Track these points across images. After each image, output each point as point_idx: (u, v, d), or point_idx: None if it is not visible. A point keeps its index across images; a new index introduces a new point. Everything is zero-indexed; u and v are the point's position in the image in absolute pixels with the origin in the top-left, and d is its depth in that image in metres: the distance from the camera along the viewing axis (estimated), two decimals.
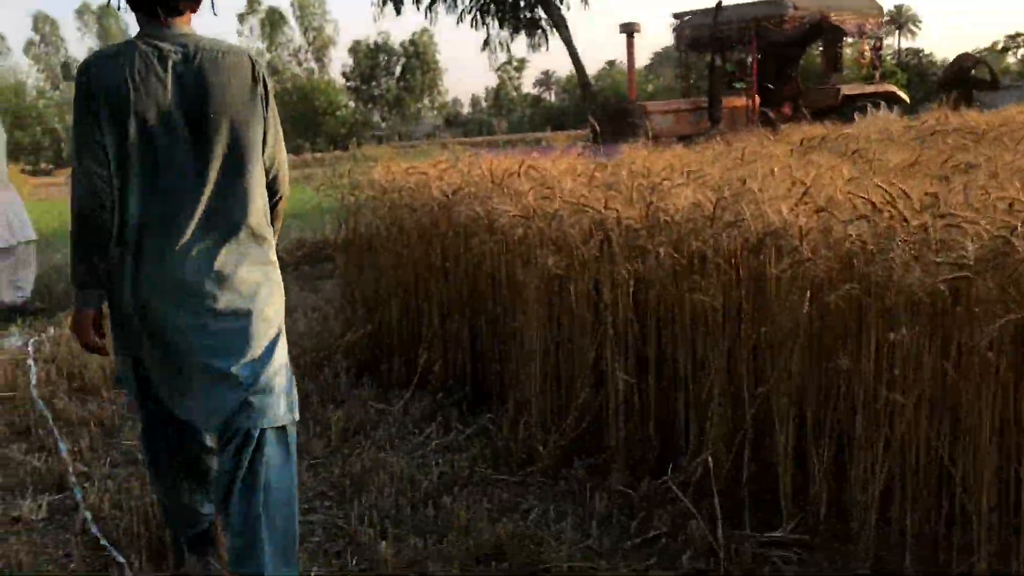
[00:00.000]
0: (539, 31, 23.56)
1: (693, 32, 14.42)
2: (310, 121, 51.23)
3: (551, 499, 3.16)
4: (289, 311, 6.47)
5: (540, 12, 22.68)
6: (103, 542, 2.91)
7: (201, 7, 2.43)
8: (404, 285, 4.80)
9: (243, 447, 2.32)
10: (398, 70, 63.48)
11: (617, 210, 3.25)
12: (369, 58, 62.02)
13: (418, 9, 23.74)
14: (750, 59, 13.49)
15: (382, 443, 3.76)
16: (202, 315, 2.30)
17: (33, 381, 4.71)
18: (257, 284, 2.38)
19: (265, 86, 2.38)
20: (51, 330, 6.03)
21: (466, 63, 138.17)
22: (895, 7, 77.91)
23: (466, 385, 4.32)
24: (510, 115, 77.87)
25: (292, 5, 60.43)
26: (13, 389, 4.68)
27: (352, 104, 59.95)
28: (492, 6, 23.28)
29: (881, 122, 6.64)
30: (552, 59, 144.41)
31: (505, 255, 3.93)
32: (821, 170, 3.54)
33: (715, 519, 2.73)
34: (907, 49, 74.88)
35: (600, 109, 13.53)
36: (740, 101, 13.29)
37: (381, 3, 23.25)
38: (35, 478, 3.51)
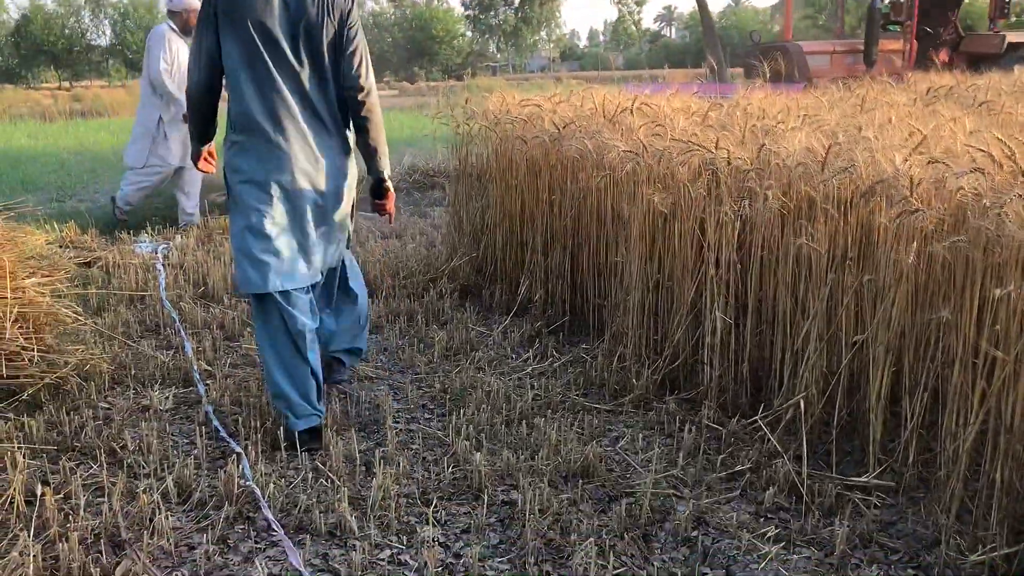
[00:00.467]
0: None
1: None
2: (426, 49, 51.41)
3: (640, 428, 3.26)
4: (399, 234, 6.72)
5: None
6: (223, 433, 3.16)
7: None
8: (510, 215, 4.91)
9: (336, 273, 3.40)
10: (517, 1, 62.77)
11: (728, 150, 3.26)
12: None
13: None
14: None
15: (481, 364, 3.91)
16: (307, 187, 3.07)
17: (162, 284, 5.05)
18: (342, 163, 3.18)
19: (350, 14, 3.04)
20: (178, 238, 6.40)
21: None
22: None
23: (565, 315, 4.43)
24: (627, 50, 76.33)
25: None
26: (144, 291, 5.02)
27: (469, 34, 59.79)
28: None
29: (1017, 75, 6.31)
30: None
31: (612, 190, 3.98)
32: (942, 121, 3.46)
33: (801, 459, 2.78)
34: None
35: (756, 48, 13.15)
36: (897, 44, 12.71)
37: None
38: (163, 372, 3.81)
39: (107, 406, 3.48)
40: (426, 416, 3.41)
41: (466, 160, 5.49)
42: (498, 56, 63.89)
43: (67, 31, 51.27)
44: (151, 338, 4.33)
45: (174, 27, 6.71)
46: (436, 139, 6.66)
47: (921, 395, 2.67)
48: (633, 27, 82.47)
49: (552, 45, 70.29)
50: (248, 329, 4.42)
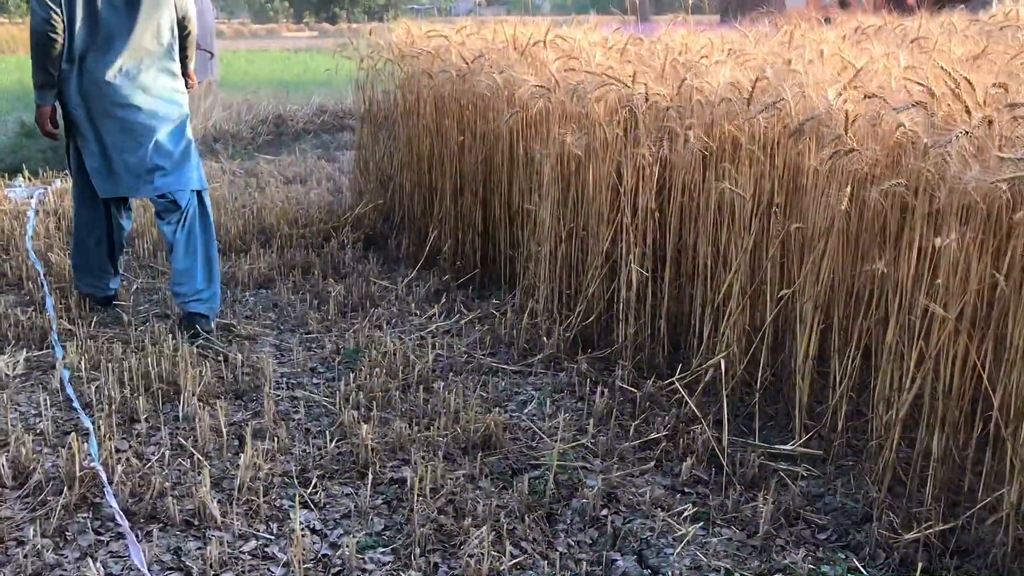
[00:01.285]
0: None
1: None
2: None
3: (550, 392, 2.97)
4: (303, 178, 6.28)
5: None
6: (75, 404, 2.77)
7: None
8: (418, 158, 4.55)
9: (173, 210, 3.40)
10: None
11: (646, 85, 2.94)
12: None
13: None
14: None
15: (380, 321, 3.58)
16: (128, 110, 3.35)
17: (30, 233, 4.55)
18: (171, 89, 3.47)
19: None
20: (57, 182, 5.85)
21: None
22: None
23: (476, 267, 4.11)
24: None
25: None
26: (10, 240, 4.52)
27: None
28: None
29: (945, 16, 6.13)
30: None
31: (523, 130, 3.65)
32: (876, 56, 3.19)
33: (721, 425, 2.54)
34: None
35: None
36: None
37: None
38: (17, 331, 3.38)
39: None
40: (314, 381, 3.07)
41: (372, 99, 5.08)
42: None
43: None
44: (10, 293, 3.87)
45: None
46: (347, 78, 6.22)
47: (852, 355, 2.43)
48: None
49: None
50: (124, 281, 4.00)
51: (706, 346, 2.86)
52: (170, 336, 3.29)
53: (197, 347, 3.23)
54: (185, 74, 3.62)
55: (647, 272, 3.01)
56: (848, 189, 2.36)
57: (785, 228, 2.60)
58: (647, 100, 2.95)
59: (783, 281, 2.67)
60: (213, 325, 3.44)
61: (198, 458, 2.47)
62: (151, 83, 3.39)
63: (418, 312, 3.72)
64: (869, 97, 2.42)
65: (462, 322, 3.58)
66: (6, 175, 6.09)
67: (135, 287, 4.01)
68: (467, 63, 4.06)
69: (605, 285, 3.24)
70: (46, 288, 3.80)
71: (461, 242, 4.21)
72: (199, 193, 3.47)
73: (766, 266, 2.67)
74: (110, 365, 2.99)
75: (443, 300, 3.83)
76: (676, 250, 3.05)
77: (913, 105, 2.28)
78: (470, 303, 3.82)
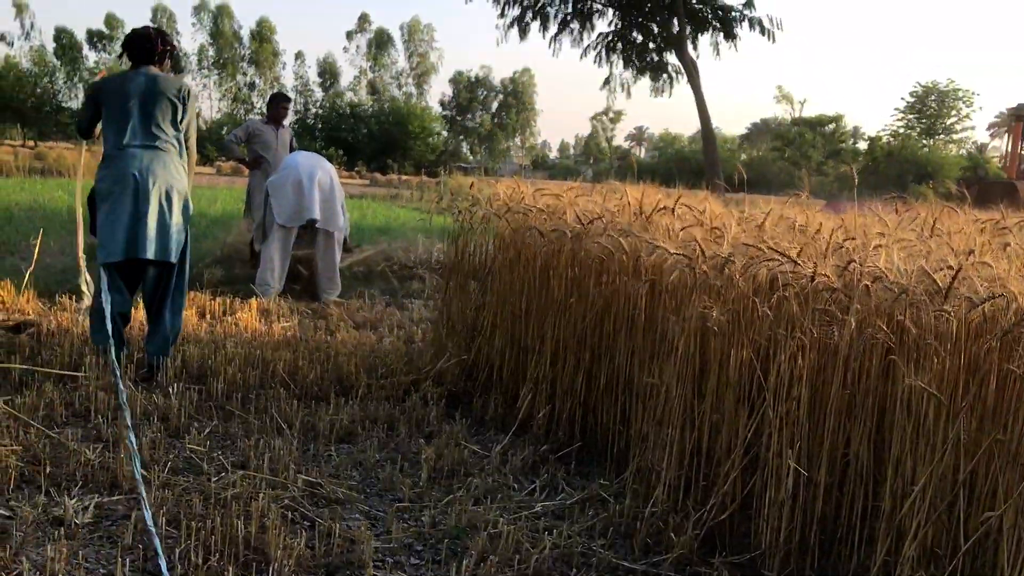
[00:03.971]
0: (664, 76, 23.21)
1: None
2: (400, 143, 51.60)
3: None
4: (373, 325, 6.06)
5: (669, 56, 22.30)
6: (163, 567, 2.41)
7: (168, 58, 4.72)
8: (513, 317, 4.31)
9: (161, 275, 4.49)
10: (494, 106, 63.86)
11: (815, 264, 2.69)
12: (468, 90, 62.53)
13: (543, 37, 23.79)
14: None
15: (478, 493, 3.23)
16: (149, 189, 4.36)
17: (115, 360, 4.30)
18: (173, 178, 4.46)
19: (187, 96, 4.56)
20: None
21: (558, 108, 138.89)
22: (1006, 110, 75.93)
23: (574, 439, 3.78)
24: (596, 165, 77.63)
25: (401, 29, 61.21)
26: (78, 368, 4.28)
27: (445, 133, 60.38)
28: (620, 44, 23.08)
29: None
30: (645, 115, 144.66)
31: (648, 298, 3.40)
32: None
33: None
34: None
35: (979, 181, 13.48)
36: None
37: (507, 26, 23.35)
38: (85, 472, 3.07)
39: (7, 513, 2.73)
40: (413, 562, 2.70)
41: (463, 251, 4.91)
42: (471, 157, 64.47)
43: (39, 90, 50.78)
44: (77, 426, 3.59)
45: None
46: (413, 229, 6.09)
47: None
48: (605, 143, 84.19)
49: (524, 152, 71.28)
50: (196, 423, 3.71)
51: (879, 569, 2.47)
52: (259, 495, 2.96)
53: (282, 508, 2.89)
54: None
55: (804, 471, 2.67)
56: None
57: (990, 438, 2.27)
58: (813, 280, 2.69)
59: (979, 500, 2.32)
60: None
61: None
62: None
63: (516, 486, 3.37)
64: None
65: (568, 502, 3.22)
66: (73, 295, 5.93)
67: (207, 430, 3.71)
68: (582, 223, 3.88)
69: (742, 479, 2.89)
70: (128, 422, 3.51)
71: (559, 410, 3.90)
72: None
73: (958, 481, 2.33)
74: (191, 524, 2.65)
75: (542, 474, 3.48)
76: (832, 447, 2.71)
77: None
78: (571, 479, 3.47)
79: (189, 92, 4.58)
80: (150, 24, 4.93)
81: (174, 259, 4.45)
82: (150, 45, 4.54)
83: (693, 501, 3.01)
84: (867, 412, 2.59)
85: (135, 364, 4.41)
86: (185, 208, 4.54)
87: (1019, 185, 12.86)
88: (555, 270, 4.03)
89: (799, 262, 2.70)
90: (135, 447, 3.20)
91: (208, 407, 4.01)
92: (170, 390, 4.10)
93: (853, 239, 3.19)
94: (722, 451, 2.96)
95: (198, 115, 6.24)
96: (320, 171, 6.94)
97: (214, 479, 3.14)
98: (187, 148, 4.62)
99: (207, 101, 58.70)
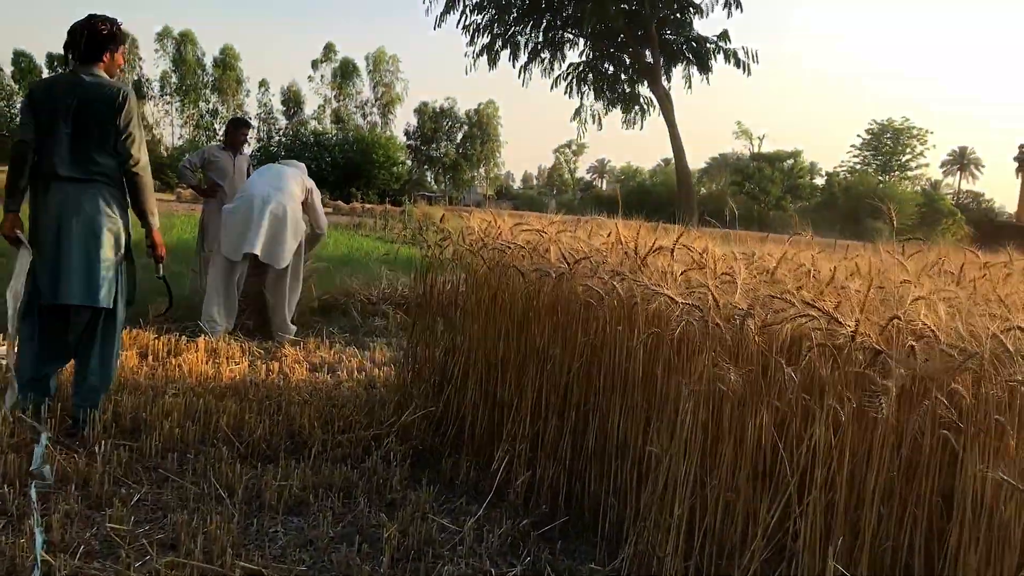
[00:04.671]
0: (636, 107, 22.98)
1: None
2: (364, 172, 51.08)
3: None
4: (331, 367, 5.56)
5: (641, 88, 22.08)
6: None
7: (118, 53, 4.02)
8: (488, 363, 3.85)
9: (90, 320, 3.92)
10: (459, 136, 63.61)
11: (858, 321, 2.27)
12: (433, 121, 62.23)
13: (514, 67, 23.52)
14: None
15: None
16: (73, 228, 3.82)
17: (43, 435, 3.74)
18: (102, 215, 3.88)
19: (124, 107, 3.87)
20: None
21: (522, 139, 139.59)
22: (958, 148, 77.48)
23: (558, 511, 3.32)
24: (560, 196, 77.58)
25: (366, 59, 60.75)
26: None
27: (409, 162, 59.96)
28: (591, 74, 22.85)
29: None
30: (606, 148, 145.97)
31: (650, 352, 2.97)
32: None
33: None
34: (967, 191, 74.10)
35: (989, 223, 13.15)
36: None
37: (476, 54, 23.05)
38: None
39: None
40: None
41: (431, 288, 4.45)
42: (434, 187, 64.06)
43: None
44: None
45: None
46: (377, 260, 5.64)
47: None
48: (568, 175, 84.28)
49: (488, 182, 71.07)
50: (122, 491, 3.19)
51: None
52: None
53: None
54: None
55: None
56: None
57: None
58: (854, 339, 2.27)
59: None
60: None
61: None
62: None
63: (493, 570, 2.89)
64: None
65: None
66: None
67: (135, 499, 3.19)
68: (568, 263, 3.45)
69: (769, 567, 2.45)
70: (34, 502, 2.98)
71: (540, 476, 3.44)
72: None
73: None
74: None
75: (523, 555, 3.01)
76: (874, 540, 2.28)
77: None
78: (557, 561, 3.00)
79: (127, 99, 3.86)
80: (96, 12, 3.99)
81: (104, 304, 3.86)
82: (90, 36, 3.86)
83: None
84: (922, 501, 2.17)
85: (57, 418, 3.87)
86: (118, 246, 3.94)
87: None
88: (536, 314, 3.59)
89: (838, 318, 2.28)
90: (40, 525, 2.69)
91: (138, 470, 3.49)
92: (96, 448, 3.58)
93: (881, 287, 2.80)
94: (737, 538, 2.52)
95: (159, 141, 5.80)
96: (277, 198, 6.32)
97: (135, 566, 2.63)
98: (135, 168, 3.90)
99: (169, 127, 57.85)
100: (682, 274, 3.08)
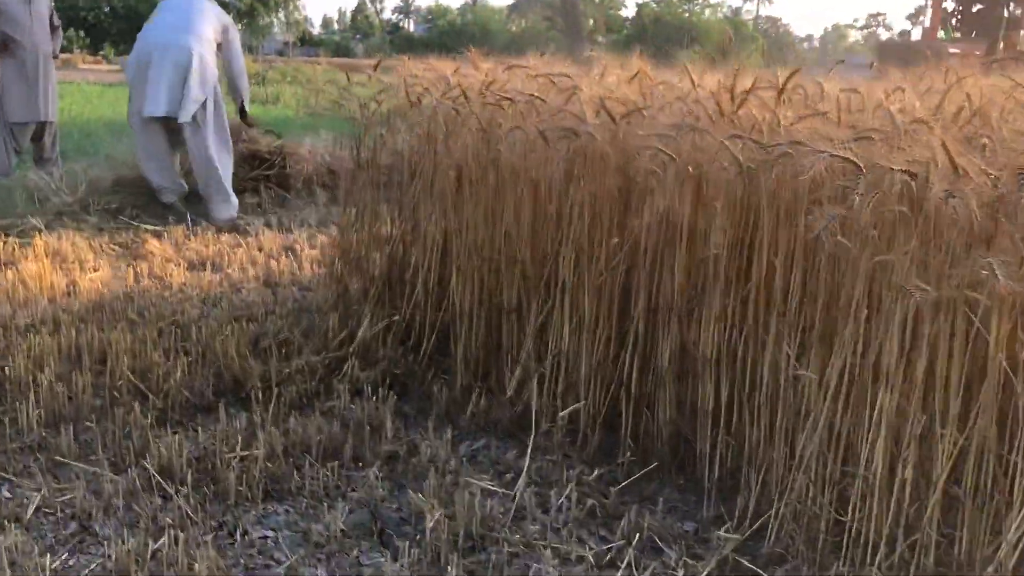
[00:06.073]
0: None
1: None
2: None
3: None
4: (214, 263, 4.44)
5: None
6: None
7: None
8: (492, 262, 2.92)
9: None
10: None
11: None
12: None
13: None
14: None
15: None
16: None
17: None
18: None
19: None
20: None
21: None
22: None
23: (619, 450, 2.52)
24: (366, 40, 73.57)
25: None
26: None
27: None
28: None
29: None
30: None
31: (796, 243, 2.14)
32: None
33: None
34: (766, 16, 76.18)
35: (900, 47, 12.44)
36: None
37: None
38: None
39: None
40: None
41: (374, 154, 3.41)
42: None
43: None
44: None
45: None
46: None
47: None
48: (375, 17, 79.95)
49: (288, 28, 66.29)
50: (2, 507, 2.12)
51: None
52: None
53: None
54: None
55: None
56: None
57: None
58: None
59: None
60: None
61: None
62: None
63: (586, 552, 2.08)
64: None
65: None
66: None
67: (33, 508, 2.12)
68: (613, 119, 2.51)
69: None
70: None
71: (596, 405, 2.61)
72: None
73: None
74: None
75: (612, 521, 2.22)
76: None
77: None
78: (665, 526, 2.22)
79: None
80: None
81: None
82: None
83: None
84: None
85: None
86: None
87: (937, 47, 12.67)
88: (560, 191, 2.66)
89: None
90: None
91: (18, 458, 2.39)
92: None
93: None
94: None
95: None
96: (180, 42, 5.18)
97: None
98: None
99: None
100: (794, 123, 2.24)
